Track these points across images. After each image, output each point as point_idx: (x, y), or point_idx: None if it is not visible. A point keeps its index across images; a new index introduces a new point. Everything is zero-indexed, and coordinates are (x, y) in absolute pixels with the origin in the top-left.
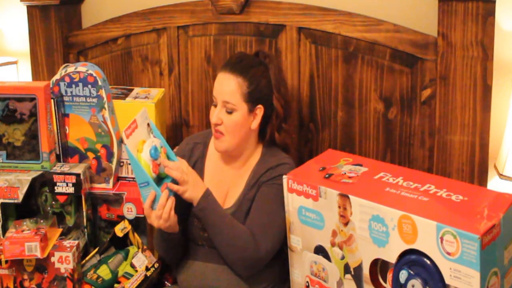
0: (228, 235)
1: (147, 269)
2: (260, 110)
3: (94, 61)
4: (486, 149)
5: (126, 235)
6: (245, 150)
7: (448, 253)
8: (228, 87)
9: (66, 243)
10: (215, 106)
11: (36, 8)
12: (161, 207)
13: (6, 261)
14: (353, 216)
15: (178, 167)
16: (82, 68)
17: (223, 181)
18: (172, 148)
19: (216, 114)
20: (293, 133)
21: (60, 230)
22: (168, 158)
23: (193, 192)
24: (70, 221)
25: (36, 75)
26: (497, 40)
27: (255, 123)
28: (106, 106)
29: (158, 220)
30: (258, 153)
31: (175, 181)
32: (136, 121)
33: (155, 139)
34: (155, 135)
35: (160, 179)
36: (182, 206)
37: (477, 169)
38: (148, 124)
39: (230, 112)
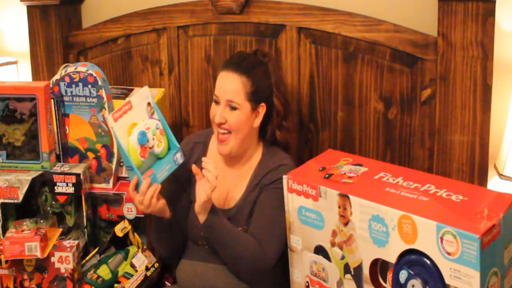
0: (235, 249)
1: (147, 269)
2: (262, 109)
3: (94, 61)
4: (486, 149)
5: (126, 235)
6: (247, 149)
7: (448, 253)
8: (232, 85)
9: (66, 243)
10: (217, 103)
11: (36, 8)
12: (142, 193)
13: (6, 261)
14: (353, 216)
15: (216, 174)
16: (82, 68)
17: (224, 181)
18: None
19: (219, 114)
20: (293, 131)
21: (60, 230)
22: (168, 137)
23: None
24: (70, 221)
25: (36, 75)
26: (497, 40)
27: (258, 121)
28: (106, 106)
29: (140, 205)
30: (259, 153)
31: (169, 163)
32: (130, 103)
33: (149, 120)
34: (157, 114)
35: (159, 159)
36: (181, 203)
37: (477, 169)
38: (149, 103)
39: (233, 108)
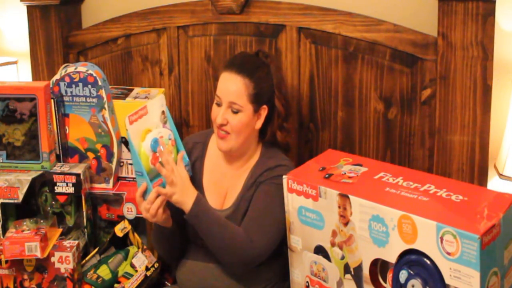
0: (222, 239)
1: (147, 269)
2: (264, 110)
3: (94, 61)
4: (486, 149)
5: (126, 235)
6: (247, 150)
7: (448, 253)
8: (235, 87)
9: (66, 243)
10: (218, 105)
11: (36, 8)
12: (149, 202)
13: (6, 261)
14: (353, 216)
15: (171, 167)
16: (82, 68)
17: (222, 181)
18: None
19: (221, 115)
20: (293, 132)
21: (60, 230)
22: (178, 150)
23: (181, 196)
24: (70, 221)
25: (36, 75)
26: (497, 40)
27: (259, 123)
28: (106, 106)
29: (146, 213)
30: (258, 153)
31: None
32: (146, 107)
33: (163, 129)
34: (169, 124)
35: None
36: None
37: (477, 169)
38: (163, 112)
39: (236, 112)
